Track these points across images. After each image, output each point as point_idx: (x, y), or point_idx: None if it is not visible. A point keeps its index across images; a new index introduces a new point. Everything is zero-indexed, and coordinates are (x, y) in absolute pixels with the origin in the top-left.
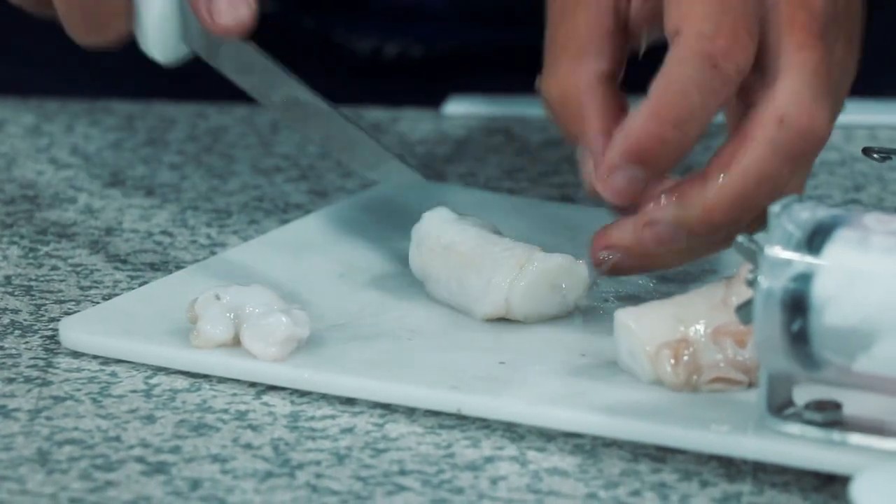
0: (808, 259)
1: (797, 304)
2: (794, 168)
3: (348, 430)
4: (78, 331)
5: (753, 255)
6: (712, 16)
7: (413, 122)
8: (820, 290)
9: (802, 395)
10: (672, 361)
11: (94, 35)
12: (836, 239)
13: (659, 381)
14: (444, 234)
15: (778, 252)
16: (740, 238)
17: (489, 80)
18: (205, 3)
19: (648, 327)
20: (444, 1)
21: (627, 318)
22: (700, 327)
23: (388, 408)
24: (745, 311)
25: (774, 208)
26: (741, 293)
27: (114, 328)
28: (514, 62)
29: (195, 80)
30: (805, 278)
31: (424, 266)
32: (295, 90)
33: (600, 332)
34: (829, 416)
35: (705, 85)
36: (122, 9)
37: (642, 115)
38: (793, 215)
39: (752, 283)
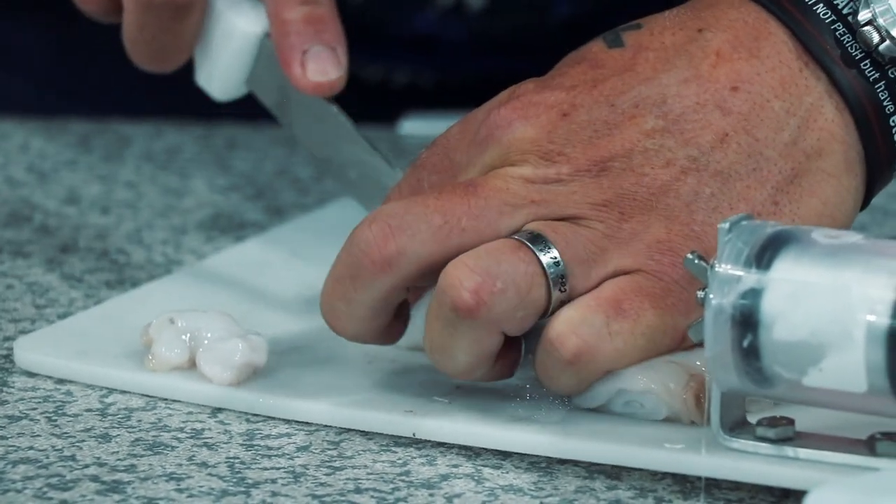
0: (757, 275)
1: (747, 320)
2: (354, 282)
3: (304, 448)
4: (33, 351)
5: (703, 272)
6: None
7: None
8: (769, 306)
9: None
10: (696, 398)
11: (154, 63)
12: (784, 254)
13: (671, 419)
14: None
15: (727, 269)
16: (690, 255)
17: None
18: (298, 58)
19: (652, 375)
20: (458, 30)
21: (627, 375)
22: (696, 361)
23: (343, 427)
24: (696, 328)
25: (723, 225)
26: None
27: (68, 349)
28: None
29: (152, 98)
30: (754, 294)
31: None
32: (362, 153)
33: None
34: (781, 431)
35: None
36: (191, 45)
37: None
38: (742, 232)
39: (702, 301)
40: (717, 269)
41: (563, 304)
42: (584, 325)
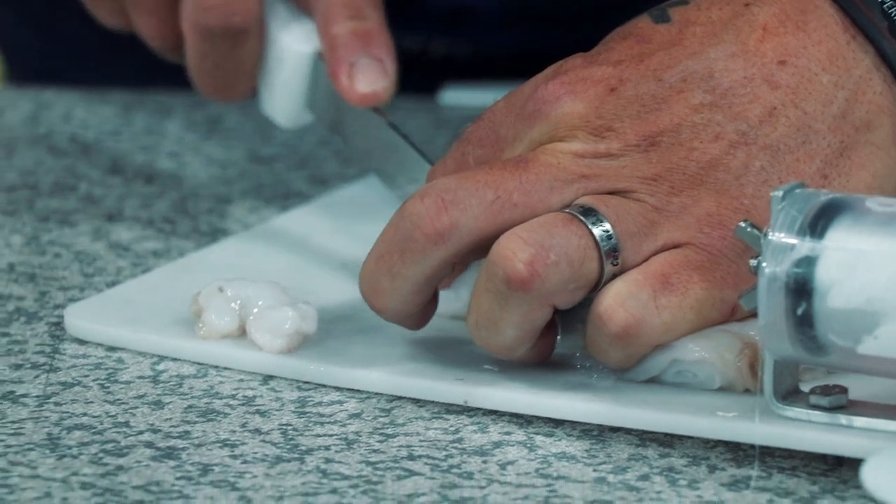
0: (812, 243)
1: (801, 289)
2: (402, 256)
3: (356, 416)
4: (84, 319)
5: (756, 241)
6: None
7: (409, 111)
8: (823, 274)
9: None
10: (750, 366)
11: (220, 93)
12: (838, 222)
13: (726, 387)
14: None
15: (781, 237)
16: (743, 224)
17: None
18: (346, 70)
19: (706, 343)
20: (493, 2)
21: (680, 345)
22: (749, 330)
23: (394, 394)
24: (749, 297)
25: (777, 194)
26: None
27: (119, 317)
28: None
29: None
30: (808, 262)
31: None
32: (413, 165)
33: None
34: (835, 400)
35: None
36: (253, 72)
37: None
38: (795, 200)
39: (755, 269)
40: (770, 237)
41: (614, 277)
42: (631, 300)
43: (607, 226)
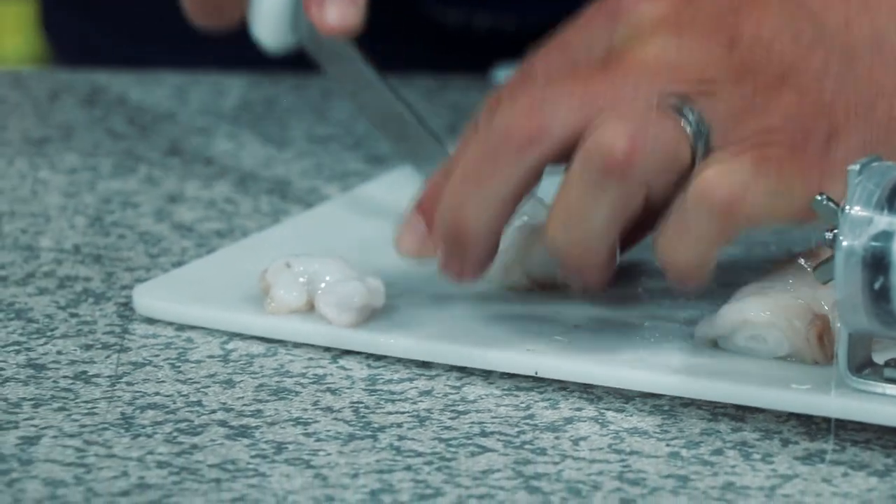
0: (890, 217)
1: (878, 263)
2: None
3: (426, 393)
4: (152, 298)
5: (833, 214)
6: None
7: (463, 90)
8: None
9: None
10: (819, 337)
11: (210, 18)
12: None
13: (792, 356)
14: None
15: (858, 210)
16: (819, 197)
17: None
18: (317, 1)
19: (778, 310)
20: None
21: (752, 307)
22: (821, 302)
23: (463, 370)
24: (824, 269)
25: (854, 167)
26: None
27: (187, 295)
28: None
29: (245, 51)
30: (886, 236)
31: None
32: (389, 103)
33: (667, 294)
34: None
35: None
36: None
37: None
38: (873, 174)
39: (831, 243)
40: (848, 210)
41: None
42: (732, 174)
43: (697, 115)
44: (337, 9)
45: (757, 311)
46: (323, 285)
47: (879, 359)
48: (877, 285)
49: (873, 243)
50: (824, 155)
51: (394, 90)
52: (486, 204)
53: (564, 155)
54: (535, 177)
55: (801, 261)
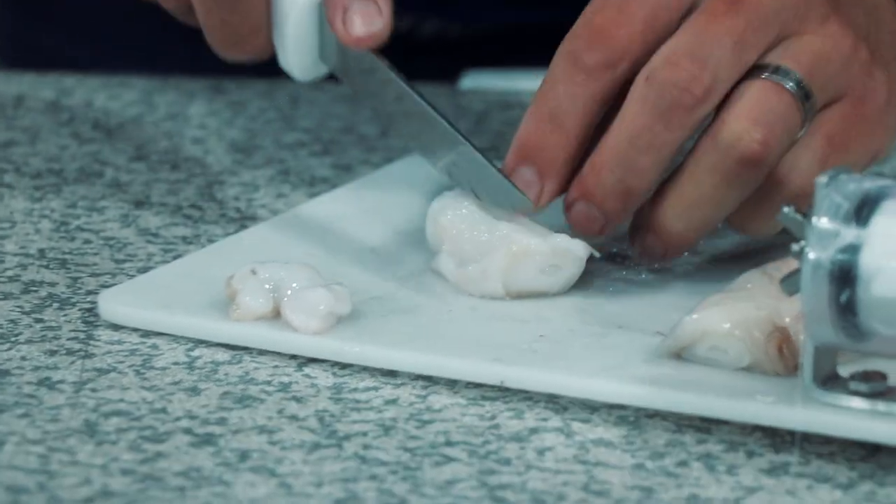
0: (856, 230)
1: (845, 275)
2: (668, 125)
3: (392, 402)
4: (118, 304)
5: (800, 227)
6: (582, 17)
7: (430, 98)
8: (868, 261)
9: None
10: (778, 348)
11: (234, 49)
12: (883, 209)
13: (752, 367)
14: (452, 216)
15: (825, 223)
16: (786, 209)
17: (530, 60)
18: (340, 13)
19: (738, 320)
20: None
21: (713, 318)
22: (783, 314)
23: (429, 379)
24: (790, 282)
25: (821, 179)
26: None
27: (153, 301)
28: (553, 42)
29: (213, 56)
30: (853, 249)
31: (435, 242)
32: (425, 116)
33: (634, 303)
34: (874, 386)
35: (567, 77)
36: (262, 25)
37: (525, 116)
38: (840, 186)
39: (798, 255)
40: (814, 223)
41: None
42: (808, 163)
43: (807, 87)
44: (360, 19)
45: (717, 322)
46: (289, 292)
47: (844, 372)
48: (843, 298)
49: (840, 256)
50: (886, 108)
51: (423, 96)
52: (659, 166)
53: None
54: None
55: (769, 272)
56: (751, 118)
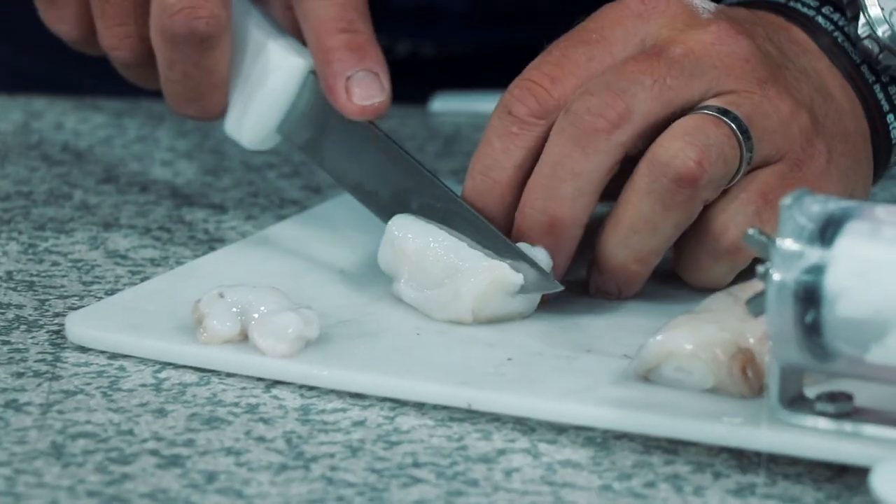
0: (821, 251)
1: (810, 296)
2: (585, 150)
3: (360, 424)
4: (85, 326)
5: (765, 248)
6: (518, 77)
7: (400, 119)
8: (832, 282)
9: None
10: (742, 370)
11: (189, 106)
12: (847, 230)
13: (717, 388)
14: (407, 241)
15: (790, 244)
16: (751, 231)
17: (502, 81)
18: (342, 81)
19: (701, 342)
20: (459, 1)
21: (676, 339)
22: (747, 335)
23: (397, 401)
24: (756, 303)
25: (785, 201)
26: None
27: (120, 324)
28: (525, 64)
29: None
30: (817, 270)
31: (390, 268)
32: (421, 184)
33: (601, 327)
34: (840, 407)
35: (501, 130)
36: (223, 83)
37: (468, 173)
38: (804, 208)
39: (763, 276)
40: (779, 244)
41: (748, 172)
42: (739, 216)
43: (745, 125)
44: (363, 90)
45: (681, 343)
46: (256, 315)
47: (811, 393)
48: (808, 319)
49: (805, 277)
50: (823, 175)
51: (421, 164)
52: (582, 196)
53: (645, 137)
54: (619, 162)
55: (734, 294)
56: (685, 140)
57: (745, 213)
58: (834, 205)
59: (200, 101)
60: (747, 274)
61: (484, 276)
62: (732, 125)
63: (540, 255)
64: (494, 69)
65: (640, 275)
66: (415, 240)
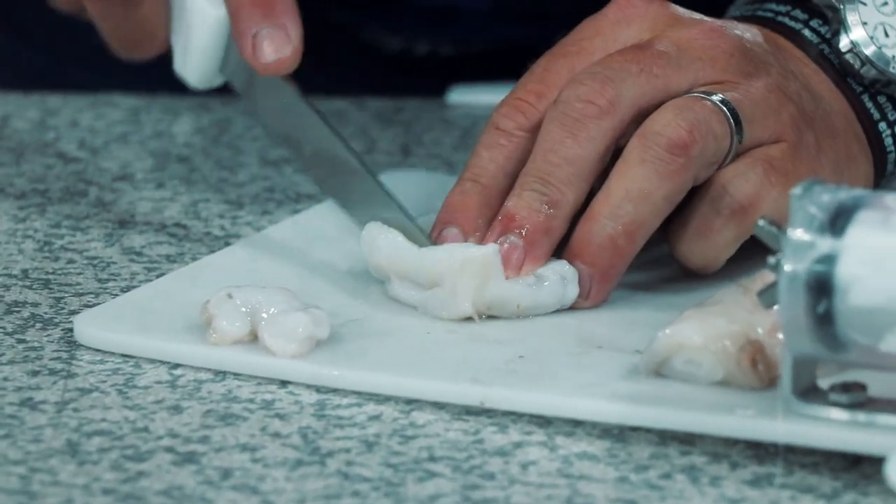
0: (832, 241)
1: (822, 286)
2: (576, 137)
3: (375, 418)
4: (94, 328)
5: (776, 239)
6: (507, 96)
7: (417, 112)
8: (844, 272)
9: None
10: (751, 361)
11: (129, 52)
12: (858, 220)
13: (727, 380)
14: (387, 244)
15: (801, 234)
16: (761, 222)
17: (519, 76)
18: (249, 38)
19: (711, 334)
20: (478, 0)
21: (685, 332)
22: (757, 327)
23: None
24: (767, 294)
25: (796, 191)
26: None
27: (130, 325)
28: None
29: None
30: (829, 260)
31: (378, 274)
32: (329, 143)
33: (610, 322)
34: (854, 397)
35: (489, 142)
36: (157, 32)
37: (455, 183)
38: (814, 198)
39: (774, 267)
40: (790, 234)
41: (735, 157)
42: (750, 174)
43: (733, 106)
44: (269, 46)
45: (690, 336)
46: (266, 316)
47: (824, 384)
48: (820, 309)
49: (816, 267)
50: (816, 160)
51: (331, 126)
52: (577, 182)
53: (635, 124)
54: (610, 149)
55: (744, 285)
56: (676, 112)
57: (756, 173)
58: (844, 194)
59: (137, 48)
60: (757, 266)
61: (470, 267)
62: (721, 106)
63: (566, 270)
64: (513, 66)
65: (624, 255)
66: (389, 243)
